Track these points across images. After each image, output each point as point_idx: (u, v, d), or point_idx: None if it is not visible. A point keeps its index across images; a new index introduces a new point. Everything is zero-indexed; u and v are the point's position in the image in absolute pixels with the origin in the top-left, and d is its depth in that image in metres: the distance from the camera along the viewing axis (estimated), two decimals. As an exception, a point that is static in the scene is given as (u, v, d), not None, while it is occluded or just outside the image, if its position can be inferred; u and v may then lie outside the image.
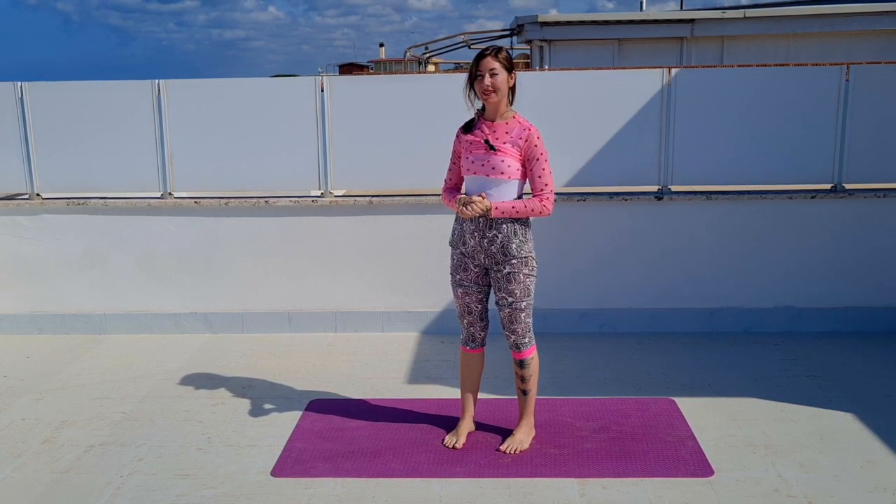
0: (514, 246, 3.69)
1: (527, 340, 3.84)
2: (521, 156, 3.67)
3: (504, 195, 3.67)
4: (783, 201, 5.46)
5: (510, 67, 3.66)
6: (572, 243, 5.54)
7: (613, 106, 5.40)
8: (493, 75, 3.60)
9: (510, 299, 3.75)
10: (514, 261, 3.71)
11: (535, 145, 3.66)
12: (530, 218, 3.76)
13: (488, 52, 3.65)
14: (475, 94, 3.71)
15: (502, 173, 3.65)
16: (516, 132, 3.67)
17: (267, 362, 5.17)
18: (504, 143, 3.66)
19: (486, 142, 3.67)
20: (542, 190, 3.69)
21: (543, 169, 3.68)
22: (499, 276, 3.75)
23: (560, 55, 16.92)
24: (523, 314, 3.79)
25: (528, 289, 3.76)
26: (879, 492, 3.50)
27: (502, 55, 3.65)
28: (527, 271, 3.74)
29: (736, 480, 3.61)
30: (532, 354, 3.87)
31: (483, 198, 3.62)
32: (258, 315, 5.71)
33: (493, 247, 3.70)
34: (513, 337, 3.84)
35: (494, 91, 3.61)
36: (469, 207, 3.60)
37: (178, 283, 5.71)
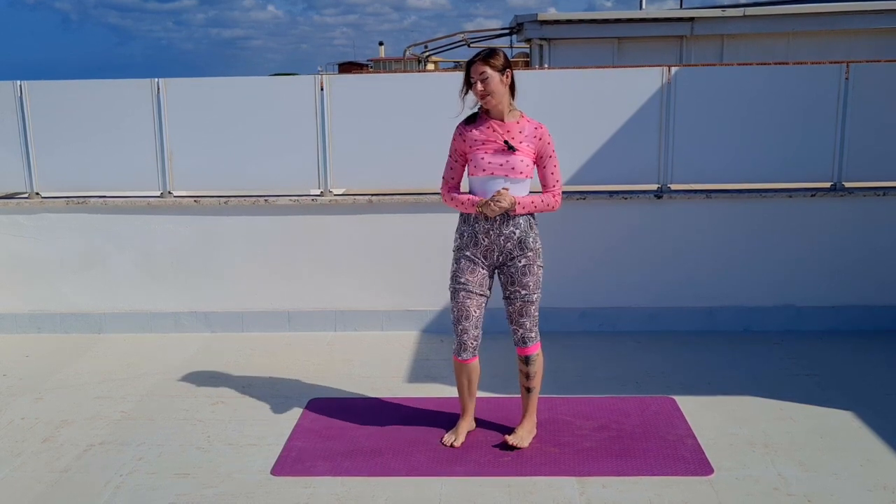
0: (530, 240, 3.77)
1: (533, 335, 3.87)
2: (534, 154, 3.72)
3: (520, 194, 3.72)
4: (783, 200, 5.46)
5: (503, 67, 3.67)
6: (572, 242, 5.54)
7: (613, 105, 5.40)
8: (483, 80, 3.63)
9: (524, 292, 3.78)
10: (530, 253, 3.77)
11: (549, 143, 3.75)
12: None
13: (478, 57, 3.68)
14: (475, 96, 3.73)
15: (521, 173, 3.69)
16: (528, 131, 3.72)
17: (267, 361, 5.17)
18: (520, 142, 3.69)
19: (506, 142, 3.68)
20: (553, 186, 3.80)
21: (555, 166, 3.80)
22: (512, 270, 3.77)
23: (559, 54, 16.90)
24: (533, 307, 3.84)
25: (539, 281, 3.83)
26: (879, 490, 3.50)
27: (492, 58, 3.66)
28: (540, 263, 3.83)
29: (736, 479, 3.61)
30: (538, 350, 3.90)
31: (507, 190, 3.66)
32: (258, 314, 5.71)
33: (509, 243, 3.74)
34: (521, 331, 3.85)
35: (489, 94, 3.65)
36: (496, 203, 3.62)
37: (178, 283, 5.70)
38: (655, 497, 3.47)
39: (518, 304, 3.82)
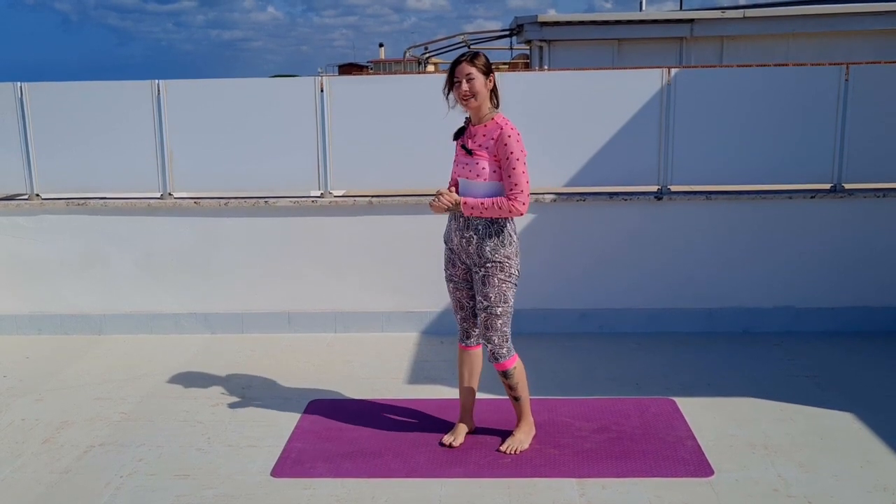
0: (487, 249, 3.67)
1: (504, 351, 3.77)
2: (494, 157, 3.64)
3: (479, 196, 3.68)
4: (783, 201, 5.47)
5: (487, 71, 3.68)
6: (572, 243, 5.54)
7: (613, 106, 5.40)
8: (469, 80, 3.62)
9: (485, 303, 3.72)
10: (488, 264, 3.69)
11: (506, 144, 3.61)
12: (512, 220, 3.73)
13: (464, 58, 3.68)
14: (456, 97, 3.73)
15: (478, 176, 3.67)
16: (490, 133, 3.67)
17: (267, 363, 5.17)
18: (479, 145, 3.68)
19: (464, 146, 3.72)
20: (511, 190, 3.62)
21: (514, 169, 3.60)
22: (476, 277, 3.76)
23: (559, 55, 16.93)
24: (499, 321, 3.73)
25: (503, 294, 3.71)
26: (879, 492, 3.50)
27: (478, 60, 3.67)
28: (502, 276, 3.69)
29: (735, 480, 3.61)
30: (514, 365, 3.81)
31: (451, 191, 3.70)
32: (258, 315, 5.71)
33: (470, 247, 3.73)
34: (489, 345, 3.79)
35: (473, 96, 3.64)
36: (437, 200, 3.66)
37: (178, 284, 5.71)
38: (655, 499, 3.47)
39: (483, 315, 3.76)
